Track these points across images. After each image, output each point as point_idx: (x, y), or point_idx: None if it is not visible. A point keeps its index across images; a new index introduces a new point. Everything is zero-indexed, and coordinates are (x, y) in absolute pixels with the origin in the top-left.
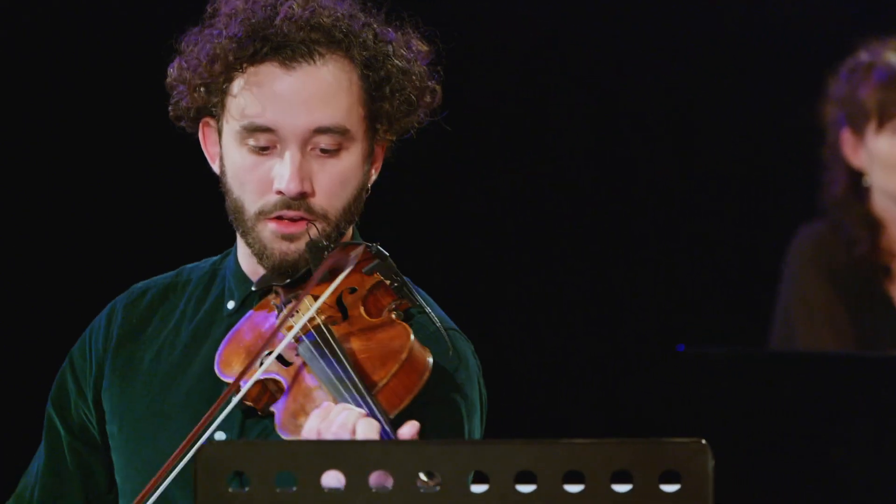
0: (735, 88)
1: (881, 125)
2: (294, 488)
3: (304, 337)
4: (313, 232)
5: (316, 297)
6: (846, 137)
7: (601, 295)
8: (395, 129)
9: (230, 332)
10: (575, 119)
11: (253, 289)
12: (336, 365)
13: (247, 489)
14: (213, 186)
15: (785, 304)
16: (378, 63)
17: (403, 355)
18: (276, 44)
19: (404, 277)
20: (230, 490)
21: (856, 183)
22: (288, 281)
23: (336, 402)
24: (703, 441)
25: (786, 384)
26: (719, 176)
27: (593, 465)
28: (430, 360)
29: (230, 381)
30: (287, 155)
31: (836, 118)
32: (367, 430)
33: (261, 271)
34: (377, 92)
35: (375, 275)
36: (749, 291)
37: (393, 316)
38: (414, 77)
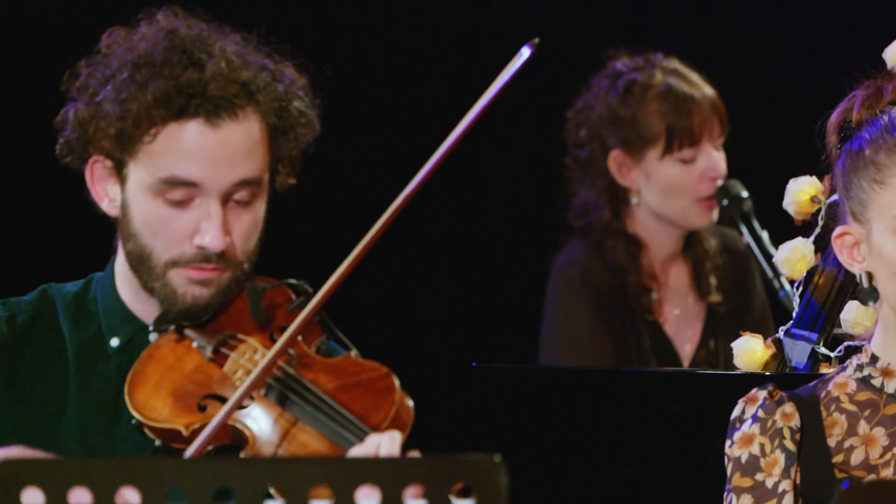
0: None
1: (668, 151)
2: None
3: (273, 383)
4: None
5: (257, 344)
6: (616, 156)
7: (398, 313)
8: (294, 170)
9: (136, 372)
10: (367, 141)
11: (150, 329)
12: (330, 412)
13: None
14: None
15: (549, 325)
16: (285, 111)
17: (396, 397)
18: (201, 101)
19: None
20: None
21: (620, 201)
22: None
23: (331, 441)
24: (498, 457)
25: (580, 400)
26: (500, 203)
27: (387, 481)
28: (412, 403)
29: (164, 426)
30: (211, 210)
31: (598, 134)
32: (392, 445)
33: (150, 309)
34: (283, 138)
35: (299, 311)
36: (530, 311)
37: (353, 354)
38: (311, 117)
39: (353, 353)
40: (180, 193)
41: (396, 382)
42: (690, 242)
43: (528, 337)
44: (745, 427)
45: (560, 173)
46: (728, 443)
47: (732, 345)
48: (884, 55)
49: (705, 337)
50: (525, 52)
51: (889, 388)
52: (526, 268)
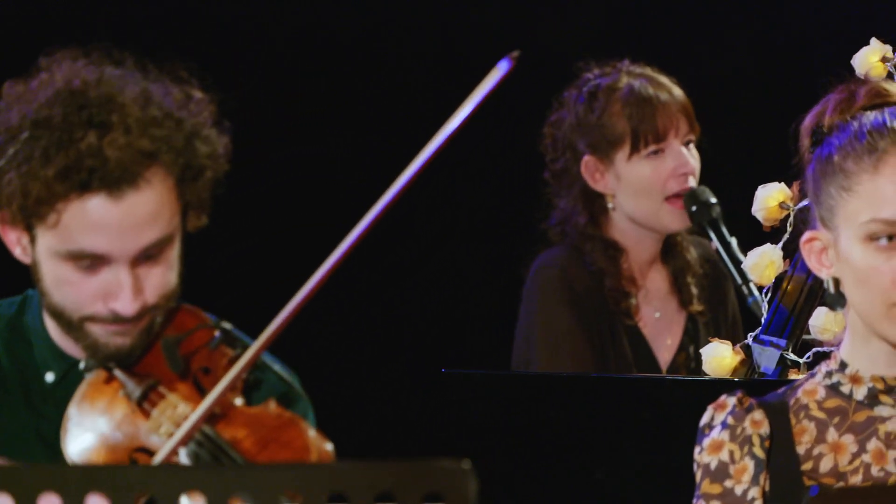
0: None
1: (635, 150)
2: None
3: (199, 451)
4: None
5: (178, 400)
6: (588, 162)
7: (365, 318)
8: (205, 211)
9: (69, 417)
10: (342, 146)
11: (81, 367)
12: None
13: None
14: None
15: (525, 331)
16: (192, 158)
17: (312, 455)
18: (102, 173)
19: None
20: None
21: (596, 207)
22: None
23: None
24: (467, 463)
25: (549, 405)
26: (470, 208)
27: (357, 487)
28: (330, 446)
29: None
30: (121, 278)
31: (570, 143)
32: None
33: (78, 348)
34: (191, 186)
35: (222, 348)
36: (499, 317)
37: (272, 405)
38: (219, 155)
39: (273, 404)
40: (88, 262)
41: (311, 433)
42: (671, 251)
43: (496, 343)
44: (715, 434)
45: (534, 181)
46: (697, 449)
47: (702, 350)
48: (852, 62)
49: (685, 341)
50: (503, 66)
51: (858, 395)
52: (496, 273)
